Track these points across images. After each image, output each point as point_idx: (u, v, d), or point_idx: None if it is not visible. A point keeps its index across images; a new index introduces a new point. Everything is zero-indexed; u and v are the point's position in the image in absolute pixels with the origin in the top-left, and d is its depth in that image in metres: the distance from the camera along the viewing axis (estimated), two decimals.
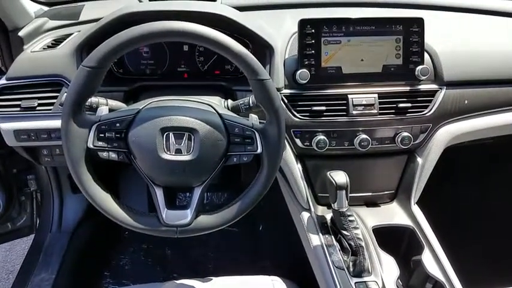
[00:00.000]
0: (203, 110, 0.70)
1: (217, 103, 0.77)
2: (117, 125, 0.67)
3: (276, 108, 0.68)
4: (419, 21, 0.88)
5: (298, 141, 0.89)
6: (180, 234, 0.70)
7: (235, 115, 0.72)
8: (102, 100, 0.74)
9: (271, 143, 0.70)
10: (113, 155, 0.67)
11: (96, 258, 1.46)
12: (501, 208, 1.32)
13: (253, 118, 0.73)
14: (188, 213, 0.70)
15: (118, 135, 0.67)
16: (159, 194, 0.70)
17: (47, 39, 0.97)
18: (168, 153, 0.67)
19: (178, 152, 0.67)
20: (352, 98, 0.88)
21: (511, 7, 1.14)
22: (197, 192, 0.71)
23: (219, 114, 0.70)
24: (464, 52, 0.96)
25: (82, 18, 1.04)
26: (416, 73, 0.88)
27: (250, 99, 0.76)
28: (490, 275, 0.93)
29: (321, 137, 0.88)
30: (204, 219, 0.71)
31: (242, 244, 1.56)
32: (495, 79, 0.95)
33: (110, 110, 0.72)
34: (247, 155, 0.71)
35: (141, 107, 0.69)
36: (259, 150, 0.70)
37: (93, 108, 0.72)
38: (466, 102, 0.92)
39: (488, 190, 1.36)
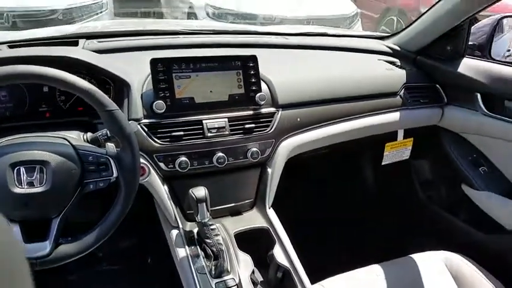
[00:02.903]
0: (55, 143, 0.76)
1: (75, 136, 0.84)
2: None
3: (128, 135, 0.78)
4: (254, 58, 1.07)
5: (162, 164, 0.99)
6: (40, 266, 0.72)
7: (89, 145, 0.80)
8: None
9: (127, 168, 0.79)
10: None
11: None
12: (340, 205, 1.58)
13: (109, 147, 0.81)
14: (47, 245, 0.73)
15: None
16: (16, 230, 0.72)
17: None
18: (20, 187, 0.70)
19: (30, 184, 0.71)
20: (206, 123, 1.02)
21: (332, 42, 1.44)
22: (55, 223, 0.75)
23: (72, 145, 0.77)
24: (294, 80, 1.18)
25: None
26: (256, 99, 1.06)
27: (108, 130, 0.84)
28: (331, 262, 1.12)
29: (183, 158, 1.00)
30: (65, 248, 0.75)
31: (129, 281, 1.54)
32: (321, 99, 1.18)
33: None
34: (103, 180, 0.78)
35: None
36: (114, 175, 0.78)
37: None
38: (298, 119, 1.13)
39: (330, 192, 1.62)
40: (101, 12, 4.13)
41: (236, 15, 3.81)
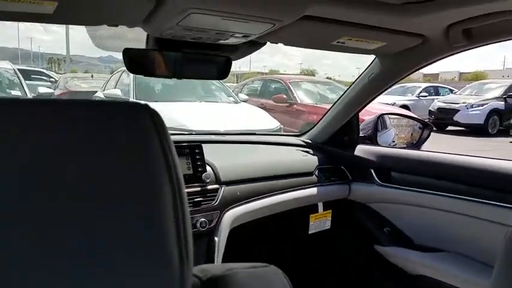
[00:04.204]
0: None
1: None
2: None
3: None
4: (199, 146, 1.36)
5: None
6: None
7: None
8: None
9: None
10: None
11: None
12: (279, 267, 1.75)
13: None
14: None
15: None
16: None
17: None
18: None
19: None
20: None
21: (260, 139, 1.81)
22: None
23: None
24: (233, 163, 1.47)
25: None
26: (203, 178, 1.32)
27: None
28: None
29: None
30: None
31: None
32: (254, 178, 1.47)
33: None
34: None
35: None
36: None
37: None
38: (238, 193, 1.39)
39: (271, 257, 1.80)
40: None
41: (172, 130, 4.21)
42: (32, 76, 12.66)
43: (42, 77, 13.73)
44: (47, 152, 0.33)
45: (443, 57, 1.25)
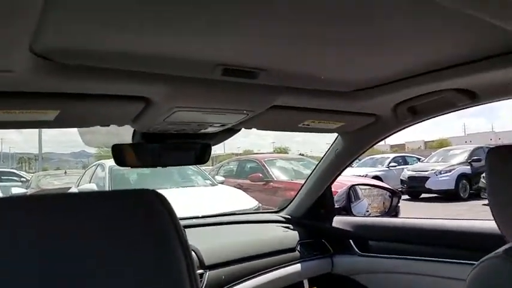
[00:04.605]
0: None
1: None
2: None
3: None
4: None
5: None
6: None
7: None
8: None
9: None
10: None
11: None
12: None
13: None
14: None
15: None
16: None
17: None
18: None
19: None
20: None
21: (240, 218, 1.86)
22: None
23: None
24: (217, 246, 1.50)
25: None
26: None
27: None
28: None
29: None
30: None
31: None
32: (239, 259, 1.49)
33: None
34: None
35: None
36: None
37: None
38: (223, 277, 1.40)
39: None
40: None
41: None
42: (3, 178, 12.43)
43: (13, 178, 13.50)
44: (59, 241, 0.37)
45: (395, 132, 1.43)
